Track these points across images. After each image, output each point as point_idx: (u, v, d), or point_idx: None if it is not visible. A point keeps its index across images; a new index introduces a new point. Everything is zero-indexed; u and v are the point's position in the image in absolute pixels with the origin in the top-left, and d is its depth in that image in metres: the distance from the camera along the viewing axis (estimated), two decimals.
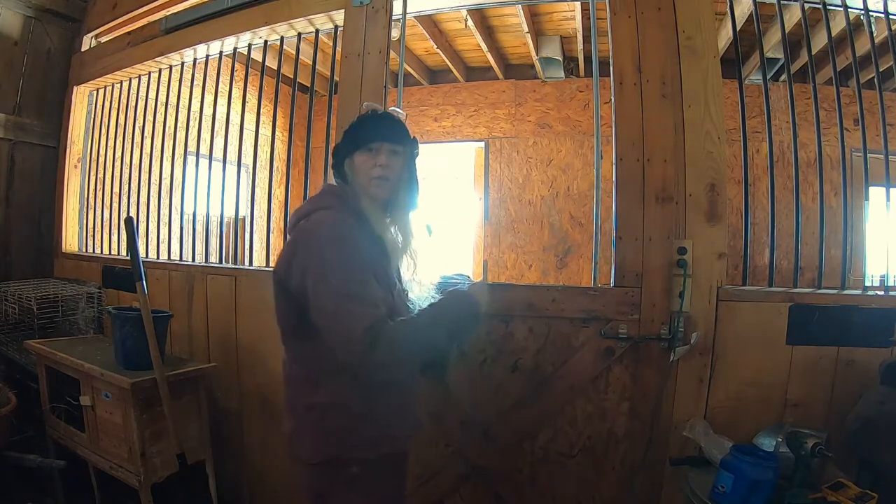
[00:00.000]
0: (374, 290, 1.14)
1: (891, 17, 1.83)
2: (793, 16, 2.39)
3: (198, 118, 2.63)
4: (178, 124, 2.73)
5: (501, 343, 1.81)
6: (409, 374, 1.32)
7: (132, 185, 2.84)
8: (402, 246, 1.31)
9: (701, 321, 1.63)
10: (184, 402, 2.03)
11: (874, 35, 1.83)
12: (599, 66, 1.97)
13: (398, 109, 1.37)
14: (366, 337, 1.06)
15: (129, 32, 2.90)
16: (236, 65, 2.61)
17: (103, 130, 3.02)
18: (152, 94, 2.83)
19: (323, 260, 1.13)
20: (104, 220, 2.95)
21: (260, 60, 2.74)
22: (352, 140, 1.28)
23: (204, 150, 2.61)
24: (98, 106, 3.09)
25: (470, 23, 3.46)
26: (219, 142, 2.56)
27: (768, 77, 1.91)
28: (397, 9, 2.07)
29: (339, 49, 2.16)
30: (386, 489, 1.28)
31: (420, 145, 1.36)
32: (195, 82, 2.73)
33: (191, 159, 2.71)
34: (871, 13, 1.81)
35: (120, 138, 2.93)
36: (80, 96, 3.08)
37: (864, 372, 1.53)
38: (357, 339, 1.06)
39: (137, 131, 2.85)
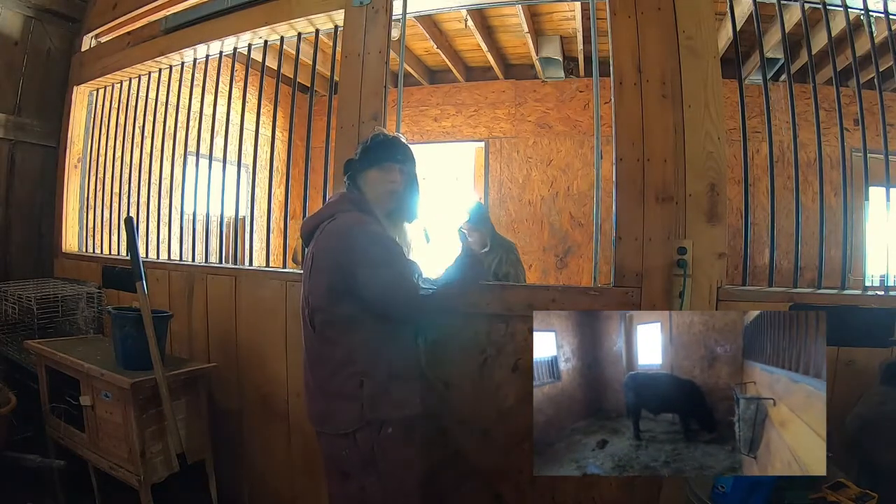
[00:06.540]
0: (412, 269, 1.49)
1: (891, 17, 1.83)
2: (793, 16, 2.38)
3: (198, 118, 2.63)
4: (178, 124, 2.73)
5: (501, 343, 1.81)
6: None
7: (132, 185, 2.84)
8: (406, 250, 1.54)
9: None
10: (184, 402, 2.03)
11: (874, 35, 1.83)
12: (599, 66, 1.97)
13: (400, 134, 1.63)
14: (423, 299, 1.40)
15: (129, 32, 2.90)
16: (236, 65, 2.61)
17: (103, 130, 3.02)
18: (152, 94, 2.83)
19: (369, 252, 1.38)
20: (104, 220, 2.95)
21: (260, 60, 2.74)
22: (367, 159, 1.52)
23: (204, 150, 2.61)
24: (98, 106, 3.09)
25: (470, 23, 3.45)
26: (219, 142, 2.56)
27: (768, 77, 1.91)
28: (397, 9, 2.07)
29: (339, 49, 2.16)
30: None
31: (420, 146, 1.43)
32: (195, 82, 2.73)
33: (191, 159, 2.71)
34: (871, 13, 1.81)
35: (120, 138, 2.93)
36: (80, 96, 3.08)
37: (864, 372, 1.53)
38: (417, 300, 1.39)
39: (137, 131, 2.85)
